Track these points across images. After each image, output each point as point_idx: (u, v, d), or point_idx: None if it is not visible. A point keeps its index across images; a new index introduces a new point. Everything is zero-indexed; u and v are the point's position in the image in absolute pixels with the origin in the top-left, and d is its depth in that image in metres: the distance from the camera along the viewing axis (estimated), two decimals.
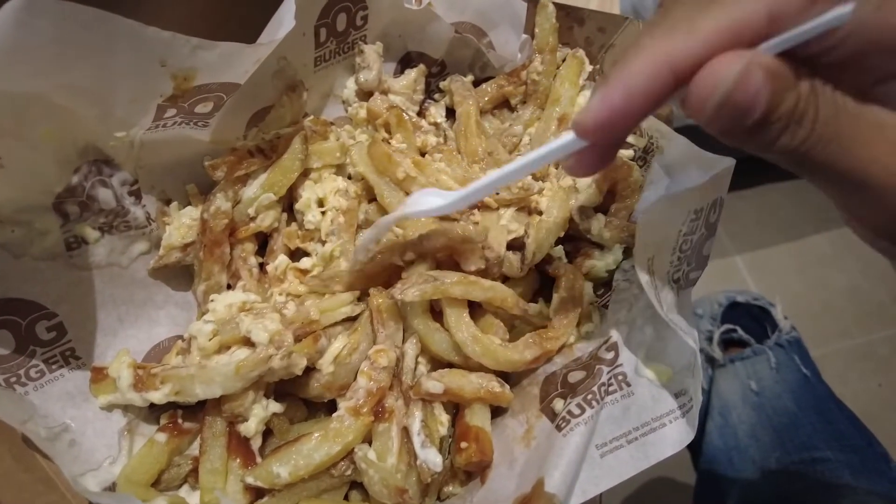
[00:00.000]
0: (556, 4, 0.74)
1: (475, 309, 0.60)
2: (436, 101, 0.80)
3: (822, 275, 1.82)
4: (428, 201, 0.52)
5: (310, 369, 0.58)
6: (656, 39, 0.32)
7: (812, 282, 1.82)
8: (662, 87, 0.32)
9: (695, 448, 1.25)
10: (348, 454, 0.53)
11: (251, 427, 0.56)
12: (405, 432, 0.54)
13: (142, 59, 0.51)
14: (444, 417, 0.56)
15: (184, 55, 0.52)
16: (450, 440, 0.58)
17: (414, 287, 0.55)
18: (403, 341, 0.58)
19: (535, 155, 0.41)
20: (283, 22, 0.61)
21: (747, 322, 1.36)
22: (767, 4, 0.31)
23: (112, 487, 0.54)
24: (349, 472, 0.54)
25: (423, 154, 0.73)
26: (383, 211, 0.65)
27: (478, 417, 0.56)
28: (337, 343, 0.57)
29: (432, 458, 0.52)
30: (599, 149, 0.39)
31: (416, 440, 0.53)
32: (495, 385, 0.58)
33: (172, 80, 0.54)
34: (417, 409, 0.55)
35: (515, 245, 0.63)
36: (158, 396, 0.54)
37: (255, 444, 0.57)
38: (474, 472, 0.57)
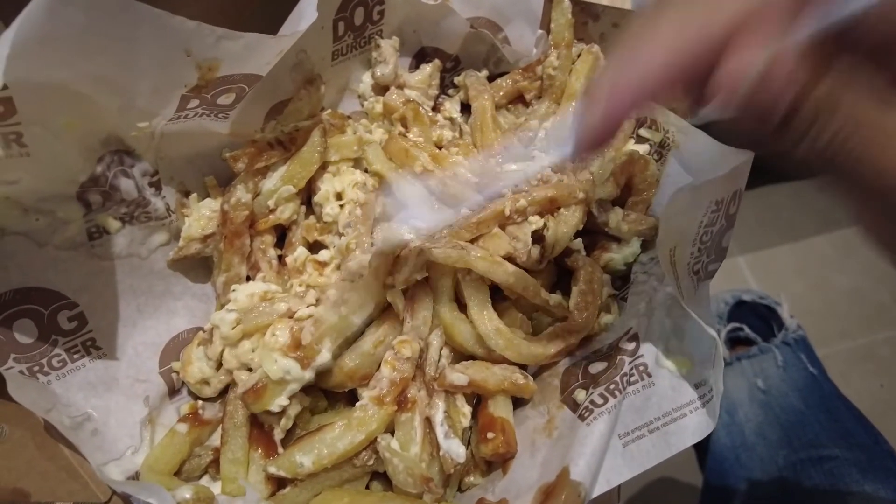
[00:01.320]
0: (571, 0, 0.74)
1: (497, 302, 0.60)
2: (450, 96, 0.80)
3: (824, 276, 1.82)
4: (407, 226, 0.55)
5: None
6: (672, 21, 0.30)
7: (814, 283, 1.82)
8: (679, 74, 0.30)
9: (702, 446, 1.26)
10: (371, 443, 0.53)
11: (291, 417, 0.56)
12: (428, 423, 0.54)
13: (167, 48, 0.51)
14: (467, 409, 0.56)
15: (208, 45, 0.53)
16: (470, 431, 0.58)
17: (442, 248, 0.55)
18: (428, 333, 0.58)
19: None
20: (305, 14, 0.61)
21: (753, 321, 1.37)
22: None
23: (135, 477, 0.54)
24: (371, 462, 0.54)
25: (438, 148, 0.73)
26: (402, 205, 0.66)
27: (501, 408, 0.57)
28: (368, 338, 0.57)
29: (455, 449, 0.53)
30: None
31: (440, 431, 0.53)
32: (519, 377, 0.58)
33: (197, 70, 0.54)
34: (440, 400, 0.55)
35: (535, 238, 0.63)
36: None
37: (279, 435, 0.57)
38: (495, 463, 0.57)
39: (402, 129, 0.73)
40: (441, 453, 0.53)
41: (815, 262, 1.85)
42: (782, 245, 1.90)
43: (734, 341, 1.36)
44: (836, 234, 1.83)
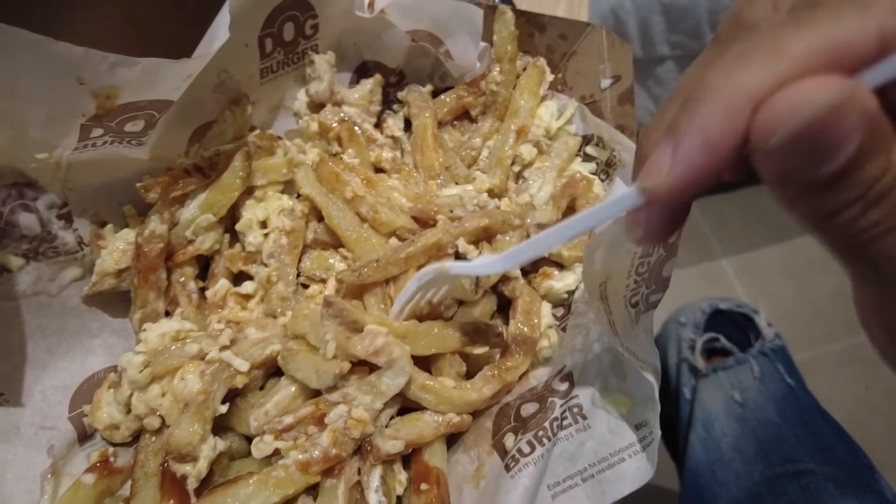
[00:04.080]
0: (515, 11, 0.70)
1: None
2: (395, 111, 0.77)
3: (810, 278, 1.80)
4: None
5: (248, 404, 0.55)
6: (729, 73, 0.25)
7: (800, 285, 1.80)
8: (746, 130, 0.25)
9: (678, 461, 1.23)
10: (288, 503, 0.50)
11: (202, 469, 0.52)
12: (356, 488, 0.50)
13: (53, 75, 0.48)
14: (403, 476, 0.53)
15: (102, 72, 0.49)
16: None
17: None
18: None
19: (591, 211, 0.38)
20: (218, 34, 0.57)
21: (731, 330, 1.34)
22: (879, 23, 0.23)
23: None
24: None
25: (377, 169, 0.69)
26: (331, 232, 0.62)
27: (437, 456, 0.53)
28: (284, 391, 0.53)
29: None
30: (672, 209, 0.31)
31: (373, 498, 0.49)
32: (452, 417, 0.55)
33: (94, 99, 0.51)
34: (377, 467, 0.51)
35: None
36: None
37: (192, 484, 0.53)
38: None
39: (338, 149, 0.69)
40: None
41: (800, 265, 1.83)
42: (767, 247, 1.88)
43: (711, 352, 1.32)
44: None
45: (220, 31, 0.57)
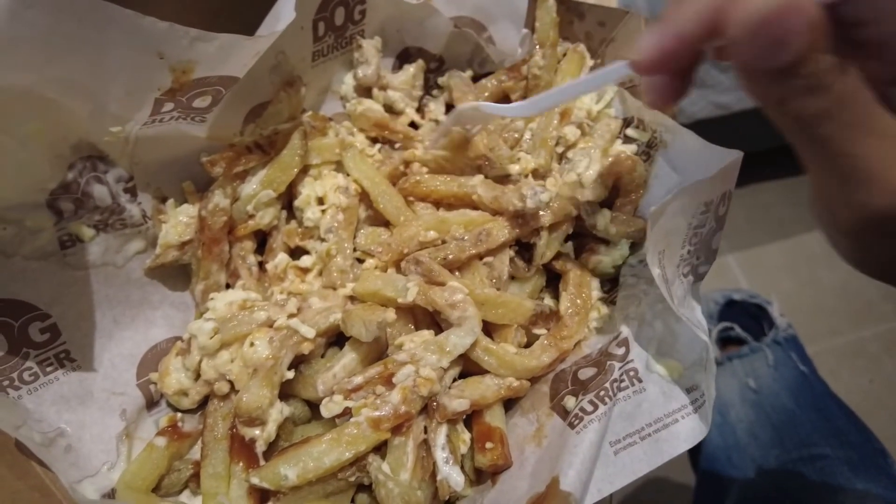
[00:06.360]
0: None
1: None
2: (434, 97, 0.79)
3: (813, 273, 1.82)
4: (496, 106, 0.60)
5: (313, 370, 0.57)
6: None
7: (803, 280, 1.82)
8: (708, 30, 0.33)
9: (694, 447, 1.25)
10: (358, 460, 0.52)
11: (271, 432, 0.54)
12: (420, 447, 0.52)
13: (138, 50, 0.49)
14: (466, 435, 0.55)
15: (182, 47, 0.51)
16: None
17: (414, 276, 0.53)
18: None
19: (597, 74, 0.48)
20: (282, 15, 0.59)
21: (744, 320, 1.36)
22: None
23: (111, 494, 0.52)
24: (353, 479, 0.52)
25: None
26: (379, 215, 0.64)
27: (497, 417, 0.55)
28: (350, 356, 0.55)
29: (455, 477, 0.51)
30: (670, 79, 0.39)
31: (440, 455, 0.51)
32: (512, 381, 0.57)
33: (171, 73, 0.53)
34: (443, 425, 0.53)
35: (525, 246, 0.62)
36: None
37: (261, 447, 0.55)
38: (485, 473, 0.55)
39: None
40: (439, 479, 0.52)
41: (804, 260, 1.86)
42: (772, 243, 1.90)
43: (725, 341, 1.35)
44: None
45: (283, 12, 0.59)
